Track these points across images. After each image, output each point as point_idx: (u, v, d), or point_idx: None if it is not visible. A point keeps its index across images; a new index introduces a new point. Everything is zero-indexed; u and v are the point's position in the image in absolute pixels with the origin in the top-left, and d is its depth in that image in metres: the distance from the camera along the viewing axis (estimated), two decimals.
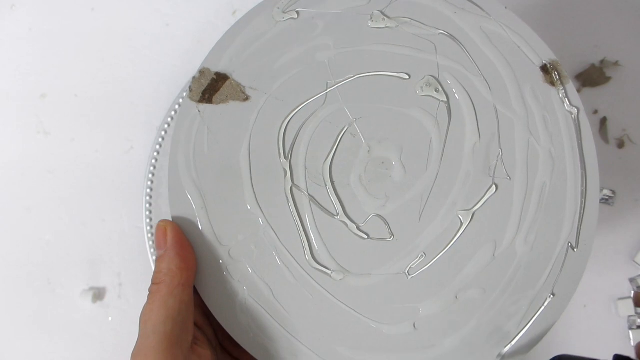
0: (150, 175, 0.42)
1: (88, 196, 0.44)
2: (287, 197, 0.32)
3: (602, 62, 0.45)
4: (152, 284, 0.29)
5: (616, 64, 0.45)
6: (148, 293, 0.29)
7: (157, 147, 0.42)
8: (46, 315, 0.44)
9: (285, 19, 0.33)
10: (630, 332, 0.43)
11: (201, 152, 0.32)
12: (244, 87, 0.33)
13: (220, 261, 0.31)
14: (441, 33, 0.33)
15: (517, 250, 0.32)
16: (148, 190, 0.42)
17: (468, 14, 0.33)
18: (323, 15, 0.33)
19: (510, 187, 0.32)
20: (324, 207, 0.32)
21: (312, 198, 0.32)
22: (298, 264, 0.31)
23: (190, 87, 0.33)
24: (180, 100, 0.42)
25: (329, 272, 0.32)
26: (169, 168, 0.33)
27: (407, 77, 0.33)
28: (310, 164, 0.32)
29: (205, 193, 0.32)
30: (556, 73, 0.32)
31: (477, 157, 0.32)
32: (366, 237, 0.32)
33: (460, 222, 0.32)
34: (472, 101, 0.32)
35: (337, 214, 0.32)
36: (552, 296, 0.31)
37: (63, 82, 0.45)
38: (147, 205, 0.42)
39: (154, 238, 0.41)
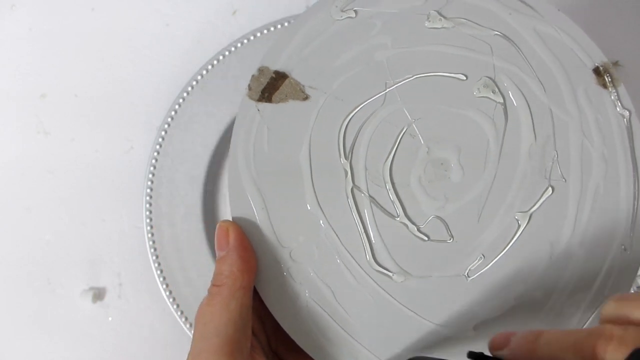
0: (150, 175, 0.42)
1: (88, 196, 0.44)
2: (347, 198, 0.32)
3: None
4: (213, 285, 0.29)
5: (616, 64, 0.45)
6: (207, 294, 0.29)
7: (157, 147, 0.42)
8: (46, 315, 0.44)
9: (343, 17, 0.33)
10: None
11: (261, 152, 0.32)
12: (303, 86, 0.32)
13: (282, 263, 0.31)
14: (496, 34, 0.33)
15: (573, 252, 0.31)
16: (148, 190, 0.42)
17: (522, 15, 0.33)
18: (381, 15, 0.33)
19: (566, 189, 0.32)
20: (384, 208, 0.32)
21: (372, 199, 0.32)
22: (359, 265, 0.31)
23: (249, 85, 0.32)
24: (181, 101, 0.42)
25: (390, 274, 0.31)
26: (229, 167, 0.32)
27: (465, 78, 0.33)
28: (370, 164, 0.32)
29: (266, 193, 0.32)
30: (608, 75, 0.32)
31: (533, 158, 0.32)
32: (426, 238, 0.32)
33: (517, 224, 0.32)
34: (527, 103, 0.32)
35: (398, 215, 0.32)
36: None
37: (63, 82, 0.45)
38: (147, 205, 0.42)
39: (154, 238, 0.41)
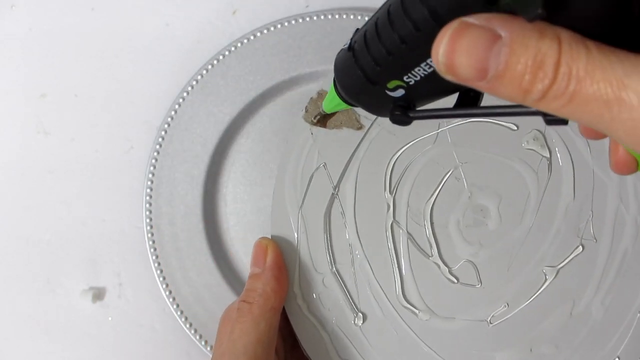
0: (150, 175, 0.42)
1: (88, 196, 0.44)
2: (386, 232, 0.32)
3: None
4: (244, 301, 0.29)
5: None
6: (237, 309, 0.29)
7: (157, 147, 0.42)
8: (46, 315, 0.44)
9: None
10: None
11: (308, 176, 0.32)
12: (359, 115, 0.33)
13: (314, 287, 0.32)
14: None
15: (592, 312, 0.32)
16: (148, 190, 0.42)
17: None
18: None
19: (595, 250, 0.32)
20: (420, 247, 0.33)
21: (410, 236, 0.33)
22: (388, 299, 0.32)
23: (306, 107, 0.33)
24: (181, 101, 0.42)
25: (416, 311, 0.32)
26: (275, 186, 0.33)
27: (516, 128, 0.33)
28: (412, 202, 0.33)
29: (307, 218, 0.32)
30: None
31: (569, 216, 0.33)
32: (456, 281, 0.32)
33: (544, 278, 0.32)
34: (572, 160, 0.33)
35: (432, 255, 0.33)
36: (617, 359, 0.32)
37: (63, 82, 0.45)
38: (147, 205, 0.42)
39: (154, 238, 0.41)
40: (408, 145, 0.33)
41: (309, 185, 0.32)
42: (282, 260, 0.31)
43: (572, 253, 0.33)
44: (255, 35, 0.42)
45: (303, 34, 0.42)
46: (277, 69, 0.42)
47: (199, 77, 0.42)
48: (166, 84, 0.45)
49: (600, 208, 0.33)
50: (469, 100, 0.20)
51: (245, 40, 0.42)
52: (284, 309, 0.31)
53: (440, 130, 0.33)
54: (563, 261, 0.33)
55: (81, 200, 0.44)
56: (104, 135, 0.45)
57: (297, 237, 0.32)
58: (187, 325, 0.41)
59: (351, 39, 0.22)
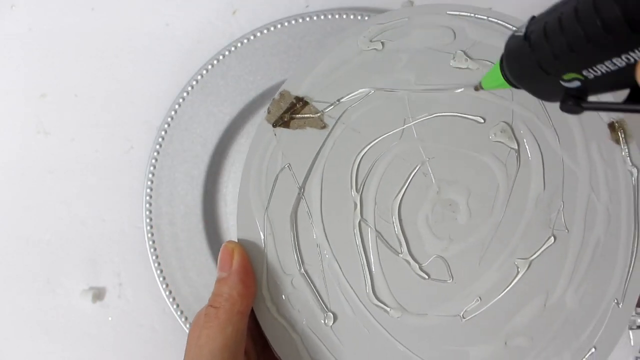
0: (150, 175, 0.42)
1: (88, 196, 0.44)
2: (354, 230, 0.32)
3: None
4: (210, 306, 0.29)
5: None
6: (204, 314, 0.28)
7: (157, 147, 0.42)
8: (46, 315, 0.44)
9: (369, 48, 0.33)
10: (630, 332, 0.43)
11: (273, 177, 0.32)
12: (322, 114, 0.33)
13: (282, 289, 0.31)
14: None
15: (566, 302, 0.32)
16: (148, 190, 0.42)
17: None
18: (407, 50, 0.33)
19: (567, 240, 0.32)
20: (389, 244, 0.32)
21: (378, 234, 0.32)
22: (358, 298, 0.32)
23: (268, 108, 0.32)
24: (181, 101, 0.42)
25: (387, 309, 0.32)
26: (240, 189, 0.32)
27: (483, 121, 0.33)
28: (380, 199, 0.32)
29: (274, 219, 0.32)
30: (622, 131, 0.33)
31: (540, 207, 0.33)
32: (427, 277, 0.32)
33: (517, 270, 0.32)
34: (541, 152, 0.33)
35: (401, 252, 0.32)
36: (593, 349, 0.32)
37: (63, 82, 0.45)
38: (147, 205, 0.42)
39: (154, 238, 0.41)
40: (373, 143, 0.33)
41: (274, 186, 0.32)
42: (249, 263, 0.30)
43: (544, 244, 0.32)
44: (255, 35, 0.42)
45: (303, 34, 0.42)
46: (277, 69, 0.42)
47: (199, 77, 0.42)
48: (166, 84, 0.45)
49: (571, 198, 0.32)
50: None
51: (245, 40, 0.42)
52: (253, 311, 0.31)
53: (405, 126, 0.33)
54: (535, 253, 0.32)
55: (81, 200, 0.44)
56: (104, 135, 0.45)
57: (264, 239, 0.31)
58: (187, 326, 0.41)
59: (526, 27, 0.22)
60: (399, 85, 0.33)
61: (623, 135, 0.33)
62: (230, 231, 0.43)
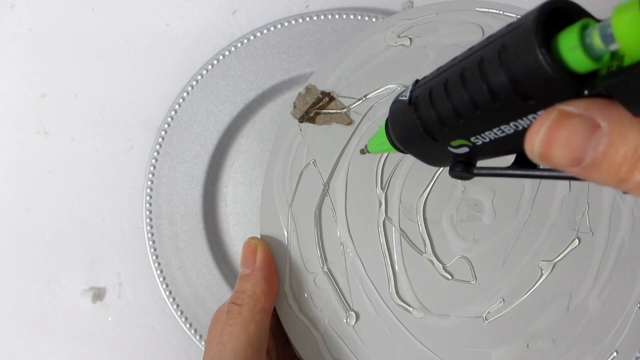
0: (150, 175, 0.42)
1: (88, 196, 0.44)
2: (378, 229, 0.32)
3: None
4: (233, 303, 0.28)
5: None
6: (227, 311, 0.28)
7: (157, 147, 0.42)
8: (46, 315, 0.44)
9: (397, 44, 0.33)
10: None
11: (298, 173, 0.32)
12: (349, 110, 0.32)
13: (305, 287, 0.31)
14: None
15: (589, 305, 0.32)
16: (148, 190, 0.42)
17: None
18: (435, 46, 0.33)
19: (592, 242, 0.32)
20: (413, 243, 0.32)
21: (403, 232, 0.32)
22: (381, 297, 0.31)
23: (294, 103, 0.32)
24: (181, 101, 0.42)
25: (410, 309, 0.31)
26: (264, 184, 0.32)
27: None
28: (405, 198, 0.32)
29: (298, 216, 0.31)
30: None
31: (565, 209, 0.32)
32: (450, 277, 0.32)
33: (540, 272, 0.32)
34: None
35: (425, 252, 0.32)
36: (615, 353, 0.31)
37: (63, 82, 0.45)
38: (147, 205, 0.42)
39: (154, 238, 0.41)
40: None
41: (298, 182, 0.32)
42: (272, 260, 0.30)
43: (568, 246, 0.32)
44: (255, 35, 0.42)
45: (303, 34, 0.42)
46: (277, 69, 0.42)
47: (199, 77, 0.42)
48: (166, 84, 0.45)
49: (596, 200, 0.32)
50: (528, 162, 0.19)
51: (245, 40, 0.42)
52: (274, 309, 0.30)
53: None
54: (559, 255, 0.32)
55: (81, 200, 0.44)
56: (104, 135, 0.45)
57: (287, 236, 0.31)
58: (187, 325, 0.41)
59: (411, 91, 0.21)
60: None
61: None
62: (230, 231, 0.43)
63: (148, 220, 0.42)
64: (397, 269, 0.32)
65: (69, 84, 0.45)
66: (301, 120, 0.32)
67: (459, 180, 0.32)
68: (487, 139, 0.18)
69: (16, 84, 0.45)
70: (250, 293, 0.28)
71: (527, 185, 0.32)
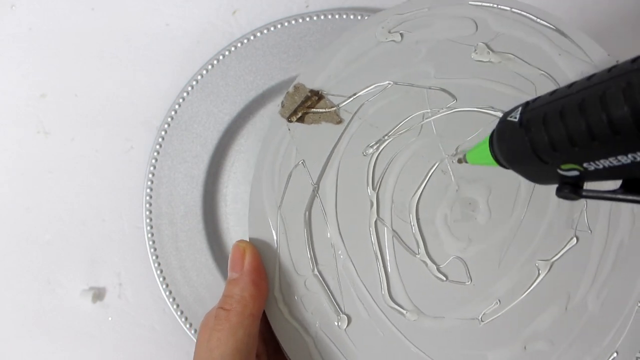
0: (150, 175, 0.42)
1: (88, 196, 0.44)
2: (370, 230, 0.31)
3: None
4: (221, 308, 0.28)
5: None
6: (215, 316, 0.28)
7: (157, 147, 0.42)
8: (46, 315, 0.44)
9: (388, 39, 0.32)
10: None
11: (286, 174, 0.31)
12: (338, 108, 0.31)
13: (295, 291, 0.30)
14: (542, 74, 0.31)
15: (588, 305, 0.31)
16: (148, 190, 0.42)
17: (572, 57, 0.31)
18: (427, 41, 0.32)
19: (590, 241, 0.31)
20: (406, 244, 0.31)
21: (395, 233, 0.31)
22: (374, 300, 0.31)
23: (282, 102, 0.31)
24: (181, 101, 0.42)
25: (403, 311, 0.31)
26: (252, 186, 0.31)
27: None
28: (397, 197, 0.31)
29: (287, 218, 0.31)
30: None
31: (562, 207, 0.31)
32: (444, 279, 0.31)
33: (537, 272, 0.31)
34: None
35: (419, 253, 0.31)
36: (615, 354, 0.31)
37: (63, 82, 0.45)
38: (147, 205, 0.42)
39: (154, 238, 0.41)
40: (391, 139, 0.31)
41: (287, 183, 0.31)
42: (261, 264, 0.29)
43: (566, 245, 0.31)
44: (255, 35, 0.42)
45: (303, 34, 0.42)
46: (277, 69, 0.42)
47: (199, 77, 0.42)
48: (166, 84, 0.45)
49: None
50: (636, 187, 0.20)
51: (245, 40, 0.42)
52: (264, 313, 0.30)
53: (424, 121, 0.32)
54: (557, 254, 0.31)
55: (81, 200, 0.44)
56: (104, 135, 0.45)
57: (277, 239, 0.30)
58: (187, 326, 0.41)
59: (521, 113, 0.22)
60: (418, 79, 0.32)
61: None
62: (230, 231, 0.43)
63: (148, 220, 0.42)
64: (389, 270, 0.31)
65: (69, 84, 0.45)
66: (290, 119, 0.31)
67: (453, 179, 0.31)
68: (601, 166, 0.19)
69: (16, 84, 0.45)
70: (239, 298, 0.28)
71: (523, 182, 0.31)
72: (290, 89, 0.31)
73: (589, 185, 0.21)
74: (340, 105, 0.31)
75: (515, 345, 0.31)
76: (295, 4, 0.45)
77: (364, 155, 0.31)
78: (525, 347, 0.31)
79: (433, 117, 0.31)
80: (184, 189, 0.42)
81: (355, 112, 0.31)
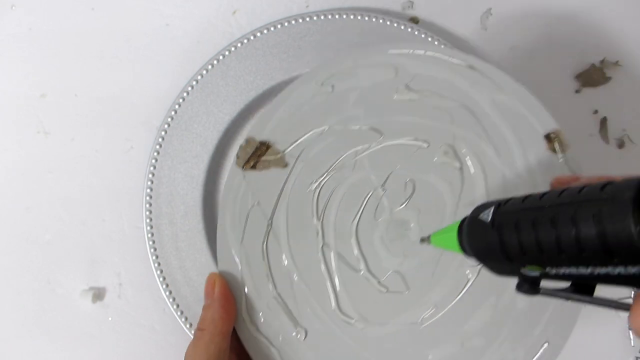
0: (150, 175, 0.42)
1: (88, 196, 0.44)
2: (318, 254, 0.36)
3: (602, 62, 0.45)
4: (198, 328, 0.34)
5: (616, 64, 0.45)
6: (194, 336, 0.34)
7: (157, 147, 0.42)
8: (46, 315, 0.44)
9: (321, 92, 0.36)
10: (630, 332, 0.43)
11: (245, 215, 0.36)
12: (284, 154, 0.36)
13: (260, 311, 0.35)
14: (458, 105, 0.36)
15: (517, 303, 0.35)
16: (148, 190, 0.42)
17: (482, 87, 0.36)
18: (355, 88, 0.36)
19: None
20: (349, 263, 0.36)
21: (340, 255, 0.36)
22: (326, 313, 0.35)
23: (237, 154, 0.36)
24: (181, 101, 0.42)
25: (352, 321, 0.35)
26: (218, 228, 0.36)
27: (426, 145, 0.36)
28: (339, 224, 0.36)
29: (248, 251, 0.35)
30: (558, 142, 0.35)
31: None
32: (385, 290, 0.36)
33: (467, 278, 0.35)
34: (482, 168, 0.36)
35: (361, 270, 0.36)
36: (546, 344, 0.34)
37: (63, 82, 0.45)
38: (147, 205, 0.42)
39: (154, 238, 0.41)
40: (330, 176, 0.36)
41: (246, 222, 0.35)
42: (229, 291, 0.35)
43: None
44: (255, 35, 0.42)
45: (303, 34, 0.42)
46: (277, 69, 0.42)
47: (199, 77, 0.42)
48: (166, 84, 0.45)
49: None
50: (585, 289, 0.23)
51: (245, 40, 0.42)
52: (235, 331, 0.35)
53: (358, 157, 0.36)
54: None
55: (81, 200, 0.44)
56: (104, 135, 0.45)
57: (241, 269, 0.35)
58: (187, 326, 0.41)
59: (493, 214, 0.24)
60: (350, 121, 0.36)
61: (559, 146, 0.35)
62: None
63: (148, 220, 0.42)
64: (337, 287, 0.35)
65: (69, 84, 0.45)
66: (244, 168, 0.36)
67: (386, 204, 0.36)
68: (561, 272, 0.21)
69: (16, 84, 0.45)
70: (210, 320, 0.33)
71: (448, 201, 0.36)
72: (243, 143, 0.36)
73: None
74: (285, 151, 0.36)
75: (453, 344, 0.35)
76: (295, 4, 0.45)
77: (308, 192, 0.36)
78: (462, 344, 0.35)
79: (364, 153, 0.36)
80: (184, 189, 0.42)
81: (299, 156, 0.36)
